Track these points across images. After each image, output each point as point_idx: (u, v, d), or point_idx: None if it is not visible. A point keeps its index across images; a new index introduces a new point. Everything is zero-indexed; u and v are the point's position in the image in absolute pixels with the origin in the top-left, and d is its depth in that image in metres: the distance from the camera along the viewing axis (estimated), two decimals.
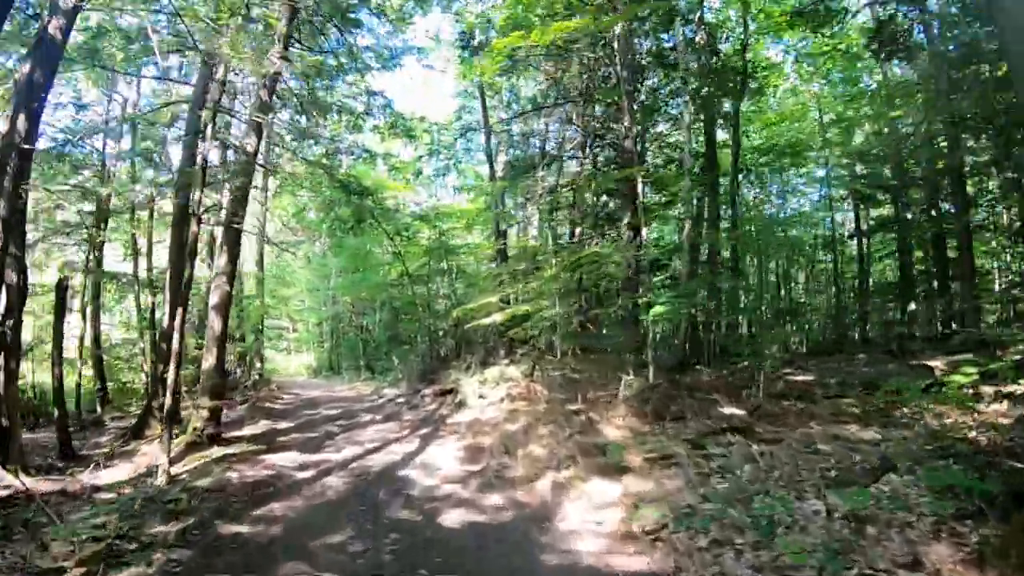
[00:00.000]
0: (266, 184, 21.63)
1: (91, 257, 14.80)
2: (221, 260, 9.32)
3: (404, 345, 23.52)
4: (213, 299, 9.39)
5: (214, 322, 9.14)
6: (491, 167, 20.16)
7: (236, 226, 9.31)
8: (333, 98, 21.39)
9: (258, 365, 19.52)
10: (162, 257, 15.12)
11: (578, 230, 17.62)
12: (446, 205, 23.67)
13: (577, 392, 11.78)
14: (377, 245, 25.90)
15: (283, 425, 11.74)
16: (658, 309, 9.88)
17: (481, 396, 12.72)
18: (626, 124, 14.19)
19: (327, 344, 30.17)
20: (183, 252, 9.64)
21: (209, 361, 9.14)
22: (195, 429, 8.83)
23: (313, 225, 23.57)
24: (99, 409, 14.64)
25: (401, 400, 16.80)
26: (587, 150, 17.43)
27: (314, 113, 19.62)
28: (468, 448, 9.61)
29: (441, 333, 23.27)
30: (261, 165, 15.31)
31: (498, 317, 11.24)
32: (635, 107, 14.78)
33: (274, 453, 8.83)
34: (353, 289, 24.31)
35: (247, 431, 10.68)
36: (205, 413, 8.90)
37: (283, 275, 29.86)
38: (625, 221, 14.06)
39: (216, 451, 8.25)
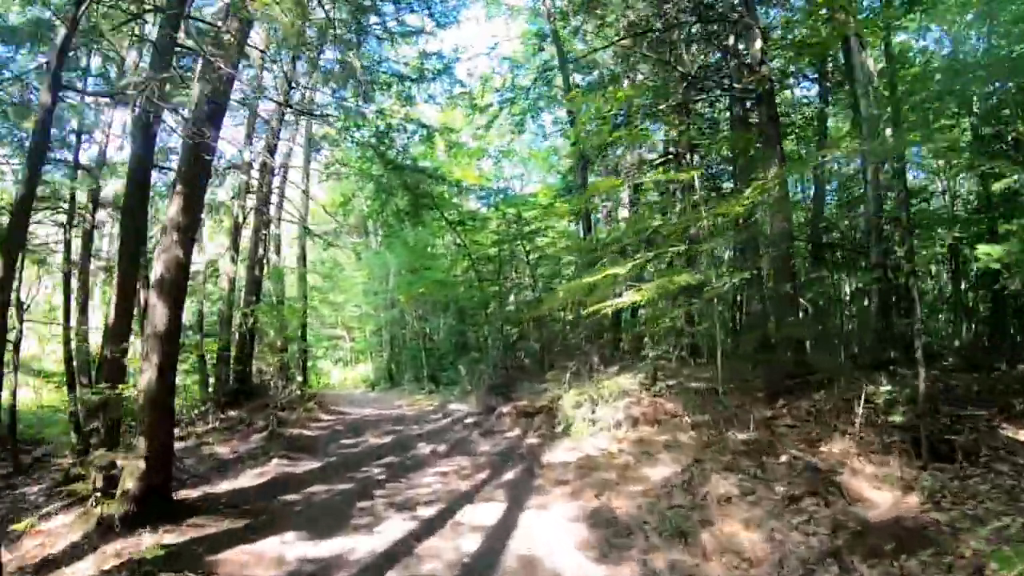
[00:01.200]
0: (307, 170, 18.45)
1: None
2: (173, 207, 5.73)
3: (472, 353, 19.77)
4: (157, 270, 5.79)
5: (157, 311, 5.52)
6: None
7: (201, 148, 5.70)
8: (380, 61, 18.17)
9: (299, 379, 16.17)
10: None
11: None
12: (520, 197, 19.86)
13: (728, 411, 7.72)
14: (438, 237, 22.39)
15: (304, 467, 8.15)
16: (996, 251, 5.64)
17: (592, 420, 8.74)
18: (758, 47, 9.98)
19: (385, 354, 26.91)
20: (144, 206, 6.16)
21: (149, 376, 5.51)
22: (124, 493, 5.24)
23: (364, 216, 20.24)
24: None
25: (471, 421, 13.07)
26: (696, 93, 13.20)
27: (356, 74, 16.36)
28: (592, 518, 5.67)
29: (515, 338, 19.47)
30: (279, 103, 12.00)
31: (628, 297, 7.20)
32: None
33: (259, 539, 5.16)
34: (412, 289, 20.82)
35: (240, 482, 7.14)
36: (141, 465, 5.32)
37: (334, 275, 26.79)
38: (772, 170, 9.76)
39: (148, 541, 4.67)
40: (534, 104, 17.71)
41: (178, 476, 6.83)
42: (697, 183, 8.02)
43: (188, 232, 5.72)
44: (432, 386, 22.67)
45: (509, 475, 7.55)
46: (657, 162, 17.17)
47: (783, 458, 6.48)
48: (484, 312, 19.60)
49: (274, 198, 16.63)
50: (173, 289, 5.60)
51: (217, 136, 6.29)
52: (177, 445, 9.21)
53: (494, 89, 18.49)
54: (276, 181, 17.01)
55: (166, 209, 5.77)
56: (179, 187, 5.73)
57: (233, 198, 14.94)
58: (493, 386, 17.18)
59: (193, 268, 15.98)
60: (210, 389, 13.16)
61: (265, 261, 15.35)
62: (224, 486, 6.80)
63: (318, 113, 14.05)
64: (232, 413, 11.93)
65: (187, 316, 17.73)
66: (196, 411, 11.47)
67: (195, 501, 6.02)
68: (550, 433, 9.71)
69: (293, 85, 16.54)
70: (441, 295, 20.98)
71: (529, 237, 17.23)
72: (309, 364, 21.53)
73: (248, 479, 7.16)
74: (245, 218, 14.83)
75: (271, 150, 15.09)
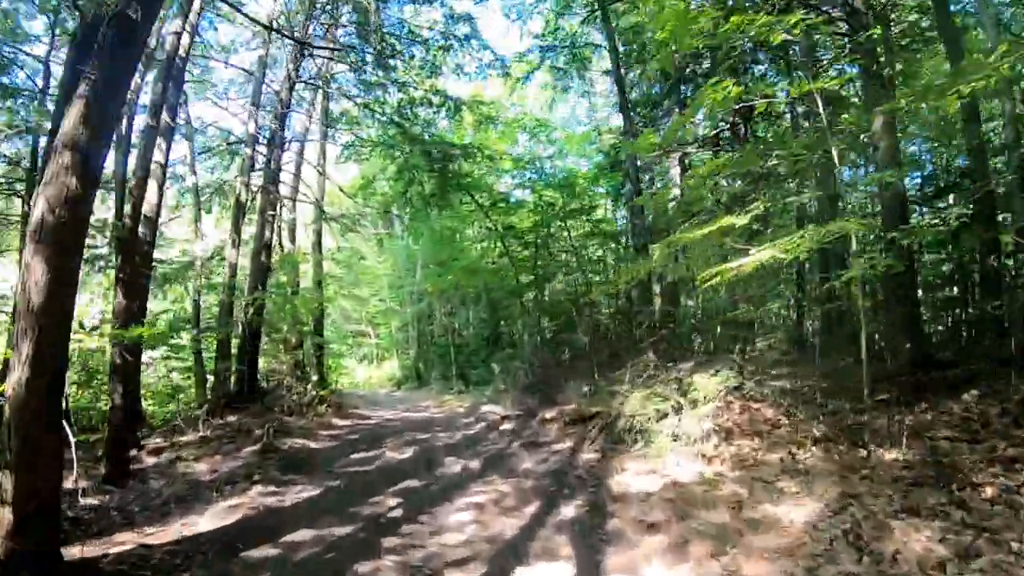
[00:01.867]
0: (323, 147, 16.70)
1: None
2: (70, 117, 3.77)
3: (506, 348, 17.82)
4: (36, 212, 3.80)
5: (34, 273, 3.54)
6: (621, 93, 14.13)
7: (122, 23, 3.74)
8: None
9: (314, 378, 14.40)
10: None
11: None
12: (562, 170, 17.77)
13: (850, 417, 5.72)
14: (468, 224, 20.47)
15: (294, 496, 6.20)
16: None
17: (675, 435, 6.69)
18: None
19: (412, 351, 25.15)
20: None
21: (18, 377, 3.56)
22: None
23: (387, 200, 18.41)
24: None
25: (508, 427, 11.15)
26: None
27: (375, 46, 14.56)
28: None
29: (553, 331, 17.46)
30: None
31: (759, 255, 5.09)
32: None
33: None
34: (440, 279, 18.97)
35: (199, 522, 5.23)
36: (8, 515, 3.43)
37: (354, 265, 25.09)
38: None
39: None
40: (578, 56, 15.62)
41: (94, 517, 4.98)
42: (820, 103, 5.85)
43: (89, 152, 3.80)
44: (462, 385, 20.80)
45: (568, 509, 5.54)
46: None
47: (987, 491, 4.36)
48: (519, 302, 17.61)
49: (287, 177, 14.91)
50: (61, 238, 3.70)
51: (154, 9, 4.34)
52: (148, 461, 7.44)
53: (531, 34, 16.37)
54: (288, 158, 15.33)
55: (65, 116, 3.80)
56: (84, 86, 3.83)
57: (237, 176, 13.22)
58: (530, 385, 15.28)
59: (193, 257, 14.94)
60: (209, 391, 11.46)
61: (275, 246, 13.60)
62: (172, 529, 4.91)
63: (332, 49, 12.10)
64: (232, 419, 10.16)
65: (171, 304, 16.39)
66: (188, 416, 9.71)
67: (103, 563, 4.12)
68: (611, 447, 7.67)
69: (306, 53, 14.82)
70: (471, 284, 19.08)
71: (573, 215, 15.18)
72: (329, 362, 19.82)
73: (213, 517, 5.28)
74: (252, 198, 13.09)
75: (280, 120, 13.31)
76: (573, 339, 15.00)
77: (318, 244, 16.36)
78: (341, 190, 16.54)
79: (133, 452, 7.45)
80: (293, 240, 16.22)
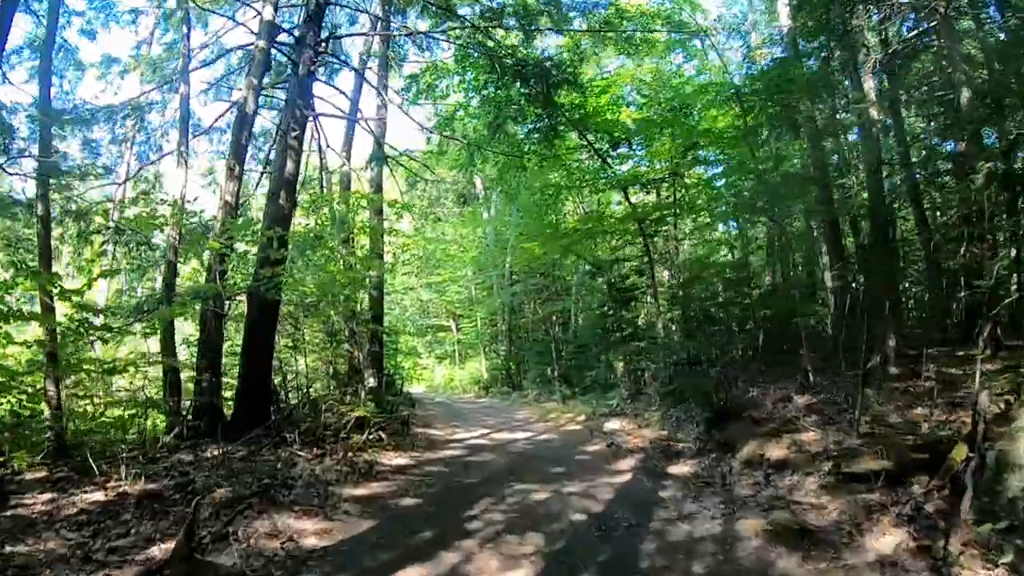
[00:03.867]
0: (384, 65, 12.38)
1: None
2: None
3: (634, 342, 12.85)
4: None
5: None
6: None
7: None
8: None
9: (370, 383, 10.08)
10: None
11: None
12: None
13: None
14: (572, 190, 15.57)
15: None
16: None
17: None
18: None
19: (502, 348, 20.66)
20: None
21: None
22: None
23: (467, 148, 13.88)
24: None
25: (686, 473, 6.30)
26: None
27: None
28: None
29: (700, 318, 12.33)
30: None
31: None
32: None
33: None
34: (548, 246, 14.27)
35: None
36: None
37: (431, 241, 20.77)
38: None
39: None
40: None
41: None
42: None
43: None
44: (566, 390, 16.10)
45: None
46: None
47: None
48: (650, 279, 12.61)
49: (324, 91, 10.71)
50: None
51: None
52: None
53: None
54: (327, 74, 11.18)
55: None
56: None
57: (245, 77, 9.04)
58: (673, 392, 10.52)
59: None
60: (186, 411, 7.26)
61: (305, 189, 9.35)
62: None
63: None
64: (215, 452, 5.92)
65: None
66: (132, 454, 5.54)
67: None
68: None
69: None
70: (582, 252, 14.25)
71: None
72: (396, 363, 15.61)
73: None
74: (256, 109, 8.81)
75: (315, 8, 9.05)
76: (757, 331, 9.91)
77: (377, 188, 11.91)
78: (405, 112, 12.09)
79: None
80: (348, 186, 12.02)
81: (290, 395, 8.99)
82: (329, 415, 7.41)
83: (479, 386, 20.68)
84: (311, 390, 8.95)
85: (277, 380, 8.74)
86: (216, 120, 12.63)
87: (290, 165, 8.14)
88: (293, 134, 8.18)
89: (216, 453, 5.99)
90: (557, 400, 15.56)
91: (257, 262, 7.53)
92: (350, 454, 6.20)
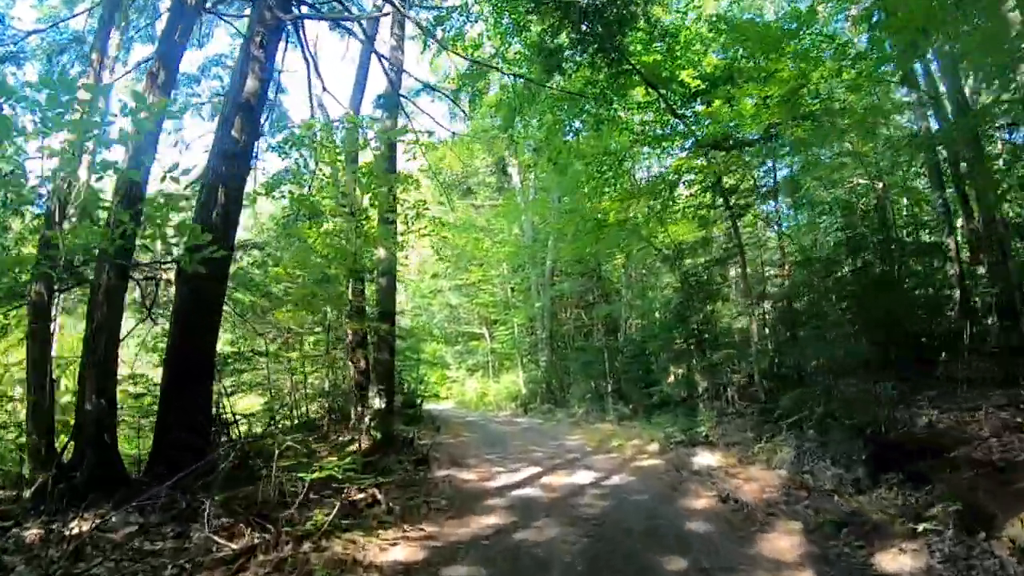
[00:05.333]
0: None
1: None
2: None
3: (719, 348, 9.99)
4: None
5: None
6: None
7: None
8: None
9: (376, 404, 7.36)
10: None
11: None
12: None
13: None
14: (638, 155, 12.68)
15: None
16: None
17: None
18: None
19: (543, 358, 17.81)
20: None
21: None
22: None
23: (504, 116, 11.15)
24: None
25: None
26: None
27: None
28: None
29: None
30: None
31: None
32: None
33: None
34: (593, 237, 11.52)
35: None
36: None
37: (464, 231, 17.96)
38: None
39: None
40: None
41: None
42: None
43: None
44: (623, 408, 13.22)
45: None
46: None
47: None
48: (740, 268, 9.66)
49: None
50: None
51: None
52: None
53: None
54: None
55: None
56: None
57: None
58: (785, 414, 7.78)
59: None
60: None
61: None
62: None
63: None
64: (78, 528, 3.22)
65: None
66: None
67: None
68: None
69: None
70: (649, 235, 11.40)
71: None
72: (414, 374, 12.93)
73: None
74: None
75: None
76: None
77: (390, 156, 9.14)
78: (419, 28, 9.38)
79: None
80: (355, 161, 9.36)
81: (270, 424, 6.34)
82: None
83: (517, 403, 17.83)
84: (276, 418, 6.25)
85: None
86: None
87: (251, 82, 5.54)
88: (257, 39, 5.56)
89: (79, 530, 3.31)
90: (612, 421, 12.70)
91: (194, 217, 4.90)
92: (306, 545, 3.44)
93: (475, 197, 22.49)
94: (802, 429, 7.63)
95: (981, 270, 8.92)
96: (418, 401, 12.58)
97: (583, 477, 6.96)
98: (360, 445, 6.64)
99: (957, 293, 8.62)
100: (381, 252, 8.29)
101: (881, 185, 9.57)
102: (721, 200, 9.38)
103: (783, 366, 8.77)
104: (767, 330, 9.47)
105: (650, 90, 10.15)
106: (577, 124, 11.09)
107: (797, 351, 8.53)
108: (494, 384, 20.21)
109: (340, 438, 7.26)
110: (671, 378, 15.10)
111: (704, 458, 7.90)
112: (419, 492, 5.58)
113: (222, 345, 7.61)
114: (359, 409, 7.32)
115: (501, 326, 20.41)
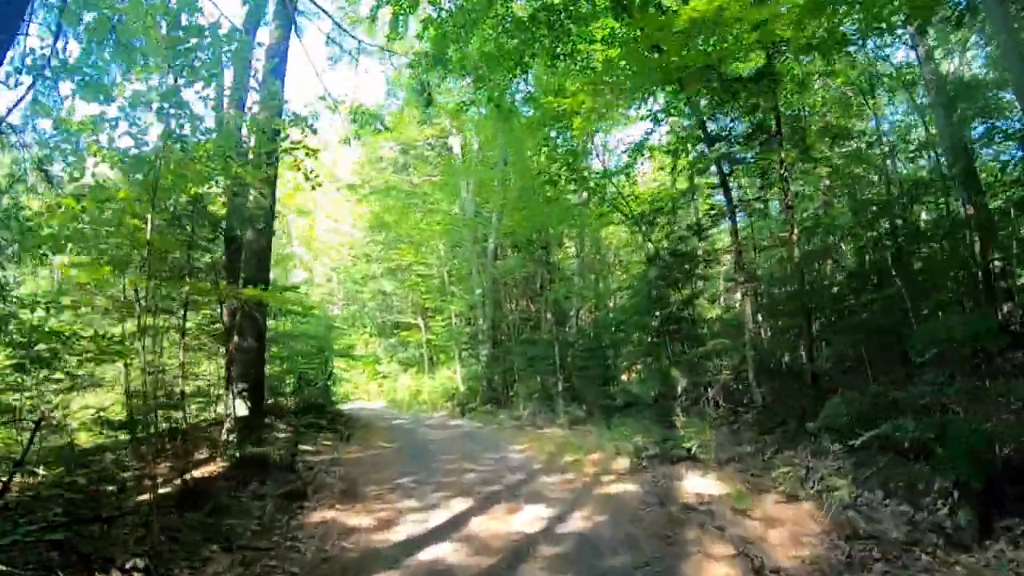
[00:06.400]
0: None
1: None
2: None
3: (701, 340, 7.96)
4: None
5: None
6: None
7: None
8: None
9: (237, 409, 4.98)
10: None
11: None
12: None
13: None
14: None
15: None
16: None
17: None
18: None
19: (483, 352, 15.60)
20: None
21: None
22: None
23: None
24: None
25: None
26: None
27: None
28: None
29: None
30: None
31: None
32: None
33: None
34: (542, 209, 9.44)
35: None
36: None
37: (391, 205, 15.54)
38: None
39: None
40: None
41: None
42: None
43: None
44: (576, 411, 11.25)
45: None
46: None
47: None
48: (731, 237, 7.75)
49: None
50: None
51: None
52: None
53: None
54: None
55: None
56: None
57: None
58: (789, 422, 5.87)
59: None
60: None
61: None
62: None
63: None
64: None
65: None
66: None
67: None
68: None
69: None
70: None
71: None
72: (323, 369, 10.58)
73: None
74: None
75: None
76: None
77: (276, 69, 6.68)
78: None
79: None
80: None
81: None
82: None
83: (454, 402, 15.55)
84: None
85: None
86: None
87: None
88: None
89: None
90: (564, 425, 10.70)
91: None
92: None
93: (413, 173, 20.07)
94: (815, 440, 5.77)
95: None
96: (322, 403, 10.20)
97: (530, 518, 4.82)
98: (217, 467, 4.27)
99: None
100: (257, 190, 5.90)
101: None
102: (705, 149, 7.41)
103: (783, 361, 6.86)
104: (760, 317, 7.54)
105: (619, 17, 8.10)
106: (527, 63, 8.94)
107: (840, 339, 6.43)
108: (429, 381, 17.86)
109: (193, 458, 4.86)
110: (629, 375, 13.26)
111: (695, 482, 5.92)
112: (254, 563, 3.30)
113: None
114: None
115: (438, 315, 18.04)
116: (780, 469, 5.80)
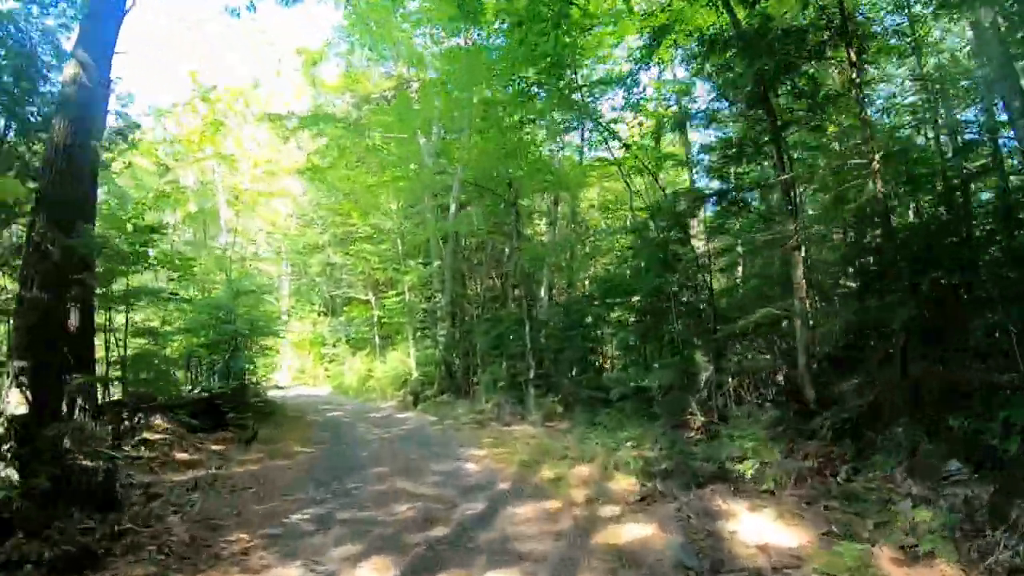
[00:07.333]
0: None
1: None
2: None
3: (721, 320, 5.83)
4: None
5: None
6: None
7: None
8: None
9: (12, 407, 2.76)
10: None
11: None
12: None
13: None
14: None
15: None
16: None
17: None
18: None
19: (442, 335, 13.31)
20: None
21: None
22: None
23: None
24: None
25: None
26: None
27: None
28: None
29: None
30: None
31: None
32: None
33: None
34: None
35: None
36: None
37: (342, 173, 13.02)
38: None
39: None
40: None
41: None
42: None
43: None
44: (552, 403, 9.21)
45: None
46: None
47: None
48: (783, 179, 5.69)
49: None
50: None
51: None
52: None
53: None
54: None
55: None
56: None
57: None
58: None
59: None
60: None
61: None
62: None
63: None
64: None
65: None
66: None
67: None
68: None
69: None
70: None
71: None
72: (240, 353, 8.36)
73: None
74: None
75: None
76: None
77: None
78: None
79: None
80: None
81: None
82: None
83: (405, 390, 13.27)
84: None
85: None
86: None
87: None
88: None
89: None
90: (535, 422, 8.68)
91: None
92: None
93: (369, 137, 17.59)
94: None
95: None
96: (225, 391, 7.91)
97: None
98: None
99: None
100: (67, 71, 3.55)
101: None
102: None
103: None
104: (816, 282, 5.50)
105: None
106: None
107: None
108: (380, 363, 15.52)
109: None
110: (612, 362, 11.23)
111: (749, 524, 3.88)
112: None
113: None
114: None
115: (391, 290, 15.66)
116: (870, 499, 3.83)
